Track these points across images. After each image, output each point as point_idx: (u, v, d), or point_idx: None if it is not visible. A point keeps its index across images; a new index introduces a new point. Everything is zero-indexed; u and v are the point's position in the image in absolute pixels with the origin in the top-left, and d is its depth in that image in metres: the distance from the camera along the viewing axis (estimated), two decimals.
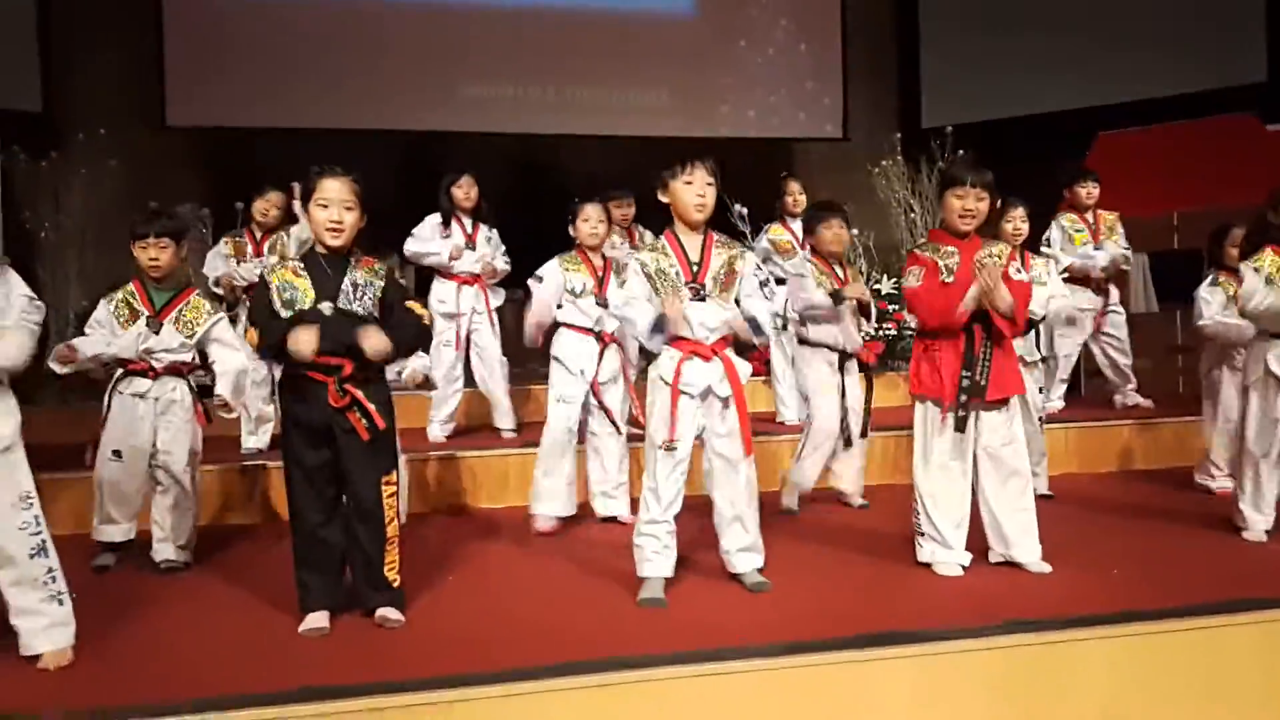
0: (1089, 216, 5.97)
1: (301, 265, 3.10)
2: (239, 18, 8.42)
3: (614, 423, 4.35)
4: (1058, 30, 8.84)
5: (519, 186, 8.32)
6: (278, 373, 4.60)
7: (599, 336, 4.30)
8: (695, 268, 3.27)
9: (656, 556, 3.28)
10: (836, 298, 4.39)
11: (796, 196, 5.98)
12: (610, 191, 5.45)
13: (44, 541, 2.77)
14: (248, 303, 4.98)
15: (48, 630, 2.76)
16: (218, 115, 8.30)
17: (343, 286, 3.05)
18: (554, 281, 4.27)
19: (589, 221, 4.28)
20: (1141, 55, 8.41)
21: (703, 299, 3.25)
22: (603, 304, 4.25)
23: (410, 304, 3.14)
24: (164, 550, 3.80)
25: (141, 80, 8.14)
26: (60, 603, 2.79)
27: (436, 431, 5.26)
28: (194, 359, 3.86)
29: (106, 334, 3.77)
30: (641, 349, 4.65)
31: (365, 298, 3.06)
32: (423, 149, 8.47)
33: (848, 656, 2.72)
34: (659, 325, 3.23)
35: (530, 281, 4.32)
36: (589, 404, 4.33)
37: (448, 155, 8.12)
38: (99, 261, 6.52)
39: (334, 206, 3.03)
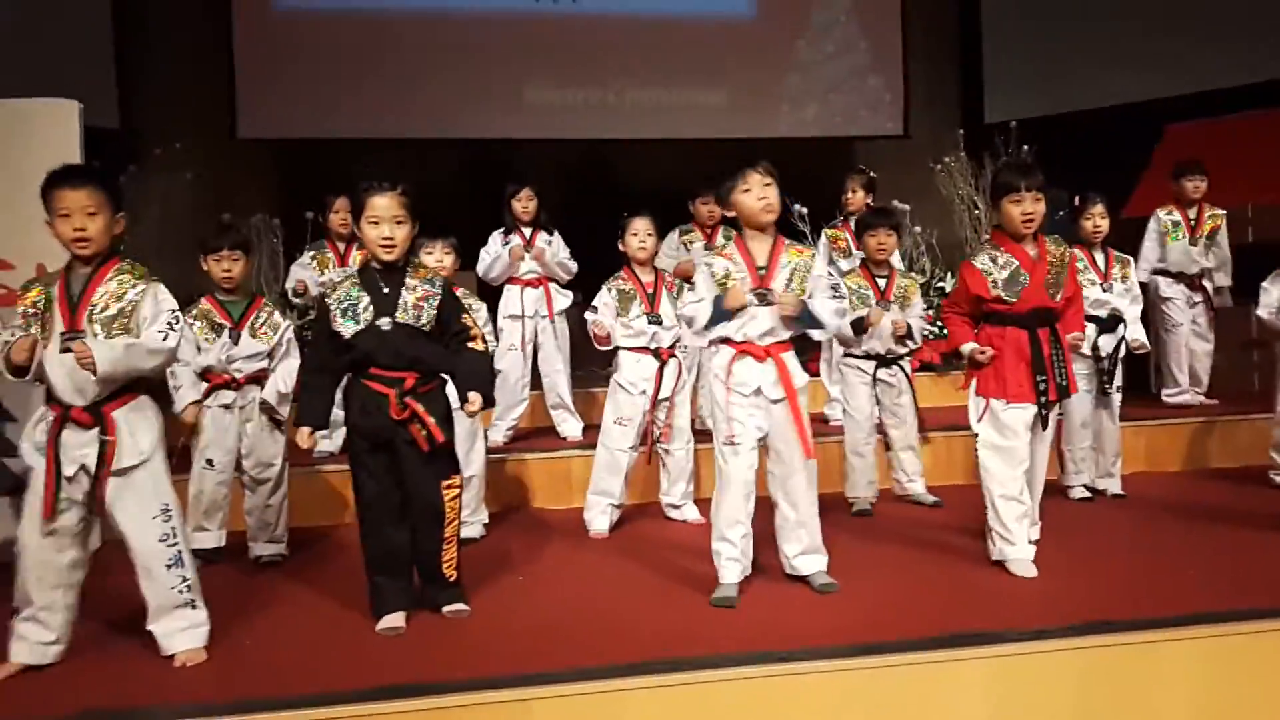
0: (1191, 212, 5.78)
1: (359, 280, 3.16)
2: (306, 31, 8.61)
3: (680, 432, 4.35)
4: (1123, 20, 8.65)
5: (582, 191, 8.38)
6: None
7: (656, 354, 4.31)
8: (761, 271, 3.28)
9: (731, 564, 3.30)
10: (858, 327, 4.40)
11: (850, 195, 5.92)
12: (700, 190, 5.53)
13: (180, 553, 2.87)
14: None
15: (183, 633, 2.88)
16: (286, 127, 8.51)
17: (400, 301, 3.11)
18: (608, 311, 4.31)
19: (637, 236, 4.31)
20: (1212, 44, 8.19)
21: (769, 304, 3.25)
22: (655, 320, 4.28)
23: (466, 323, 3.20)
24: (258, 548, 4.00)
25: (213, 95, 8.36)
26: (194, 607, 2.90)
27: (497, 435, 5.32)
28: (270, 366, 3.99)
29: (190, 349, 3.88)
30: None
31: (423, 313, 3.12)
32: (488, 156, 8.58)
33: (921, 658, 2.72)
34: (719, 316, 3.24)
35: (587, 314, 4.36)
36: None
37: (513, 162, 8.22)
38: (175, 271, 6.67)
39: (384, 223, 3.10)
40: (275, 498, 4.01)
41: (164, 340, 2.84)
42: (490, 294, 5.43)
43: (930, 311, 6.49)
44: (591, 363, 5.93)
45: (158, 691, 2.68)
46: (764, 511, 3.41)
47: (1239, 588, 3.24)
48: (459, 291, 3.41)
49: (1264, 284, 4.59)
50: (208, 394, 3.91)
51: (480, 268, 5.34)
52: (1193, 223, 5.77)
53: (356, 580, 3.25)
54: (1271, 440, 4.79)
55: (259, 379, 3.95)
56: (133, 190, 7.03)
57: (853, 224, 5.54)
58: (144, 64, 8.31)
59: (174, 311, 2.90)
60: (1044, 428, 3.49)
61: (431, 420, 3.07)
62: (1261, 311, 4.50)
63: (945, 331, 6.41)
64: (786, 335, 3.31)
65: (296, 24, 8.64)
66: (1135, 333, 4.56)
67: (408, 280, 3.14)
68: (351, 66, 8.58)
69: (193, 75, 8.30)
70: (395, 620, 3.09)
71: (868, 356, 4.54)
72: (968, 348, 3.51)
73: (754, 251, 3.31)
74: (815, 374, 5.25)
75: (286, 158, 8.67)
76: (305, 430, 3.17)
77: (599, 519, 4.30)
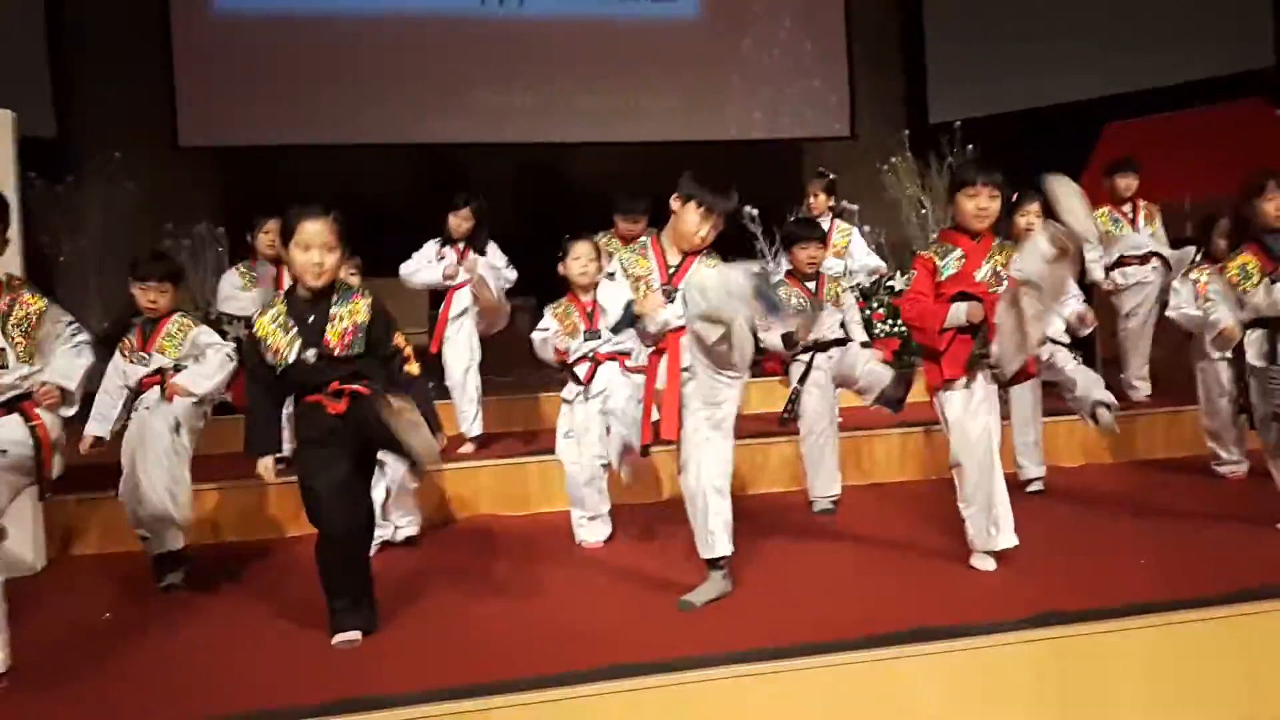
0: (1126, 208, 5.90)
1: (284, 312, 3.11)
2: (247, 37, 8.51)
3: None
4: (1063, 21, 8.84)
5: (532, 194, 8.37)
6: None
7: (592, 357, 4.20)
8: (672, 270, 3.34)
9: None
10: (789, 341, 4.27)
11: (812, 200, 5.91)
12: (622, 204, 5.28)
13: None
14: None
15: None
16: (229, 135, 8.40)
17: (326, 330, 3.06)
18: (555, 336, 4.24)
19: (579, 260, 4.24)
20: (1149, 44, 8.40)
21: (673, 300, 3.29)
22: (592, 336, 4.17)
23: (398, 343, 3.15)
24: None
25: (153, 103, 8.24)
26: None
27: (477, 427, 5.30)
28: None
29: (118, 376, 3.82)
30: None
31: (351, 339, 3.07)
32: (435, 160, 8.52)
33: (881, 654, 2.74)
34: (628, 319, 3.32)
35: (535, 334, 4.27)
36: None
37: (460, 166, 8.18)
38: (117, 283, 6.56)
39: (315, 249, 3.05)
40: (153, 519, 3.67)
41: (83, 355, 3.09)
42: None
43: (881, 310, 6.55)
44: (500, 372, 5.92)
45: (112, 712, 2.62)
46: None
47: (1186, 577, 3.31)
48: None
49: (1174, 284, 4.61)
50: (133, 399, 3.80)
51: (405, 268, 5.28)
52: (1130, 217, 5.90)
53: (313, 595, 3.20)
54: (1206, 431, 4.88)
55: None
56: (71, 200, 6.92)
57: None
58: (80, 71, 8.16)
59: (74, 321, 3.14)
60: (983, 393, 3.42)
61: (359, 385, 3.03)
62: (1171, 312, 4.52)
63: (899, 329, 6.53)
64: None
65: (237, 28, 8.54)
66: (1072, 307, 4.53)
67: (334, 308, 3.09)
68: (295, 71, 8.48)
69: (131, 82, 8.16)
70: (352, 635, 3.04)
71: (804, 349, 4.47)
72: (962, 308, 3.38)
73: (668, 251, 3.38)
74: (774, 373, 5.21)
75: (231, 165, 8.56)
76: (264, 462, 3.16)
77: (579, 530, 4.23)
